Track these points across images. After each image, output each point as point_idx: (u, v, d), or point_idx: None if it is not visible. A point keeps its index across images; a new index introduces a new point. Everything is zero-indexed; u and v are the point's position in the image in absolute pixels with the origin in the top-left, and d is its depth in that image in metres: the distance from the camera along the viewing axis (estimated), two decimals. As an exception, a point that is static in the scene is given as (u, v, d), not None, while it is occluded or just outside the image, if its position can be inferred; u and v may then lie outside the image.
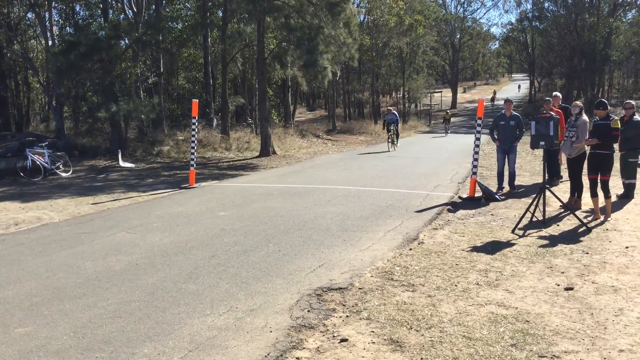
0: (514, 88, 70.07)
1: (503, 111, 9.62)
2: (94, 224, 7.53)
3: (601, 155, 7.00)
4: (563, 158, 8.99)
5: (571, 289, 4.52)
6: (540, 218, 6.88)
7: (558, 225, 6.93)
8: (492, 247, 5.89)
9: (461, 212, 7.95)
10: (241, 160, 17.46)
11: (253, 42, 21.16)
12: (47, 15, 19.17)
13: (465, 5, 58.22)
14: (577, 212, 7.14)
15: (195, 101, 11.51)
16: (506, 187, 9.67)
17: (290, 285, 4.75)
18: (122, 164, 15.26)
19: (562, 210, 7.70)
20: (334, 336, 3.71)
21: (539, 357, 3.35)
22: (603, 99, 7.59)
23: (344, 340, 3.63)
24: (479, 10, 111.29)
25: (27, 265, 5.53)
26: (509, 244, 6.02)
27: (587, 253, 5.58)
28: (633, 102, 9.07)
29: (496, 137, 9.67)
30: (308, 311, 4.15)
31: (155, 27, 17.49)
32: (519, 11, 51.85)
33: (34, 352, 3.52)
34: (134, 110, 15.69)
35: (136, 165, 15.48)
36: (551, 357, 3.34)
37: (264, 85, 19.34)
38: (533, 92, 52.11)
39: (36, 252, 6.04)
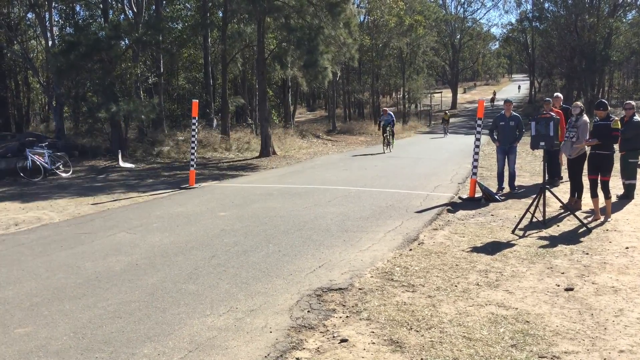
0: (514, 88, 70.08)
1: (503, 112, 9.62)
2: (94, 225, 7.53)
3: (601, 155, 7.00)
4: (563, 159, 9.00)
5: (571, 289, 4.51)
6: (541, 218, 6.88)
7: (558, 225, 6.93)
8: (492, 248, 5.88)
9: (461, 213, 7.95)
10: (241, 160, 17.46)
11: (253, 42, 21.16)
12: (47, 15, 19.18)
13: (466, 6, 58.33)
14: (577, 213, 7.14)
15: (196, 101, 11.51)
16: (506, 188, 9.67)
17: (290, 285, 4.74)
18: (122, 164, 15.26)
19: (562, 210, 7.70)
20: (334, 336, 3.70)
21: (539, 357, 3.34)
22: (603, 100, 7.59)
23: (344, 340, 3.63)
24: (479, 11, 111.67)
25: (27, 265, 5.53)
26: (509, 245, 6.02)
27: (587, 254, 5.58)
28: (633, 103, 9.07)
29: (496, 137, 9.67)
30: (308, 311, 4.15)
31: (156, 28, 17.50)
32: (519, 11, 52.01)
33: (34, 353, 3.52)
34: (134, 111, 15.70)
35: (136, 166, 15.48)
36: (551, 358, 3.34)
37: (264, 86, 19.34)
38: (533, 92, 52.13)
39: (36, 253, 6.04)
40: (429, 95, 47.75)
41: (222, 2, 22.05)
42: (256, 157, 18.01)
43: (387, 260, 5.47)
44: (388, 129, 19.73)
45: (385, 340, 3.62)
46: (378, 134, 28.42)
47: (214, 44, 26.74)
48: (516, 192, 9.49)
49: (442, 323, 3.87)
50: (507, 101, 9.90)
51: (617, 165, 7.82)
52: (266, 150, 18.23)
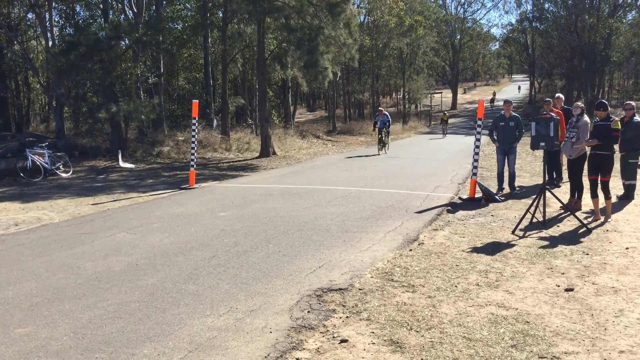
0: (514, 89, 70.10)
1: (502, 112, 9.63)
2: (94, 225, 7.53)
3: (601, 156, 7.00)
4: (564, 159, 9.00)
5: (571, 289, 4.51)
6: (541, 219, 6.88)
7: (558, 226, 6.93)
8: (492, 248, 5.88)
9: (461, 213, 7.95)
10: (241, 160, 17.46)
11: (253, 42, 21.17)
12: (47, 15, 19.18)
13: (466, 6, 58.35)
14: (577, 213, 7.14)
15: (196, 102, 11.51)
16: (506, 188, 9.67)
17: (290, 286, 4.74)
18: (122, 164, 15.26)
19: (562, 211, 7.70)
20: (334, 337, 3.70)
21: (539, 358, 3.34)
22: (603, 100, 7.59)
23: (344, 341, 3.63)
24: (479, 11, 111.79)
25: (27, 265, 5.53)
26: (509, 245, 6.02)
27: (588, 254, 5.58)
28: (633, 103, 9.07)
29: (496, 138, 9.67)
30: (308, 312, 4.15)
31: (156, 28, 17.50)
32: (519, 12, 52.05)
33: (34, 353, 3.51)
34: (134, 111, 15.70)
35: (136, 166, 15.48)
36: (551, 358, 3.34)
37: (264, 86, 19.34)
38: (533, 93, 52.16)
39: (36, 253, 6.04)
40: (429, 95, 47.75)
41: (222, 3, 22.06)
42: (256, 158, 18.01)
43: (387, 261, 5.47)
44: (384, 130, 19.06)
45: (385, 340, 3.62)
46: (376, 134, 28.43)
47: (214, 44, 26.74)
48: (516, 193, 9.49)
49: (442, 323, 3.87)
50: (506, 101, 9.91)
51: (617, 166, 7.82)
52: (266, 151, 18.23)
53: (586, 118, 7.63)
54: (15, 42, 22.46)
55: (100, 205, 9.15)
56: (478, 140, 9.08)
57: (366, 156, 17.93)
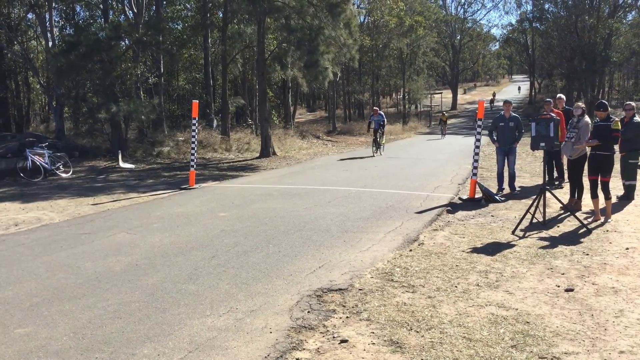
0: (514, 89, 70.12)
1: (502, 112, 9.63)
2: (94, 225, 7.53)
3: (601, 156, 7.00)
4: (565, 160, 9.00)
5: (571, 290, 4.51)
6: (541, 219, 6.88)
7: (558, 226, 6.93)
8: (492, 249, 5.88)
9: (461, 213, 7.95)
10: (241, 161, 17.46)
11: (253, 43, 21.18)
12: (47, 15, 19.18)
13: (466, 7, 58.35)
14: (577, 214, 7.14)
15: (196, 102, 11.50)
16: (506, 189, 9.67)
17: (290, 286, 4.74)
18: (122, 164, 15.26)
19: (563, 211, 7.70)
20: (334, 337, 3.70)
21: (539, 358, 3.34)
22: (603, 100, 7.59)
23: (344, 341, 3.63)
24: (479, 12, 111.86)
25: (27, 265, 5.53)
26: (509, 245, 6.02)
27: (588, 254, 5.58)
28: (633, 104, 9.07)
29: (495, 138, 9.67)
30: (308, 312, 4.15)
31: (156, 28, 17.50)
32: (519, 12, 52.01)
33: (34, 353, 3.51)
34: (134, 111, 15.70)
35: (136, 166, 15.48)
36: (551, 359, 3.34)
37: (264, 86, 19.34)
38: (533, 93, 52.16)
39: (36, 253, 6.04)
40: (429, 95, 47.74)
41: (222, 3, 22.07)
42: (256, 158, 18.01)
43: (387, 261, 5.47)
44: (379, 130, 18.36)
45: (385, 340, 3.62)
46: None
47: (214, 44, 26.76)
48: (516, 193, 9.49)
49: (442, 324, 3.87)
50: (506, 102, 9.91)
51: (617, 166, 7.82)
52: (266, 151, 18.23)
53: (587, 119, 7.63)
54: (16, 42, 22.47)
55: (100, 206, 9.15)
56: (478, 140, 9.08)
57: (360, 158, 17.43)
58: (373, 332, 3.75)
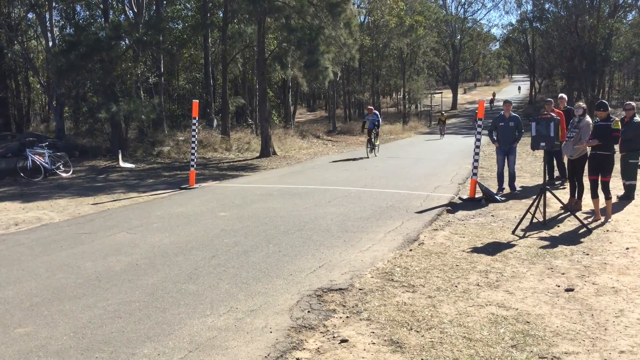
0: (514, 89, 70.12)
1: (502, 112, 9.63)
2: (94, 224, 7.53)
3: (602, 156, 7.00)
4: (565, 159, 9.00)
5: (571, 290, 4.51)
6: (541, 219, 6.88)
7: (558, 226, 6.93)
8: (493, 248, 5.88)
9: (461, 213, 7.95)
10: (241, 160, 17.46)
11: (253, 42, 21.18)
12: (47, 15, 19.18)
13: (466, 6, 58.35)
14: (577, 213, 7.14)
15: (196, 102, 11.50)
16: (506, 188, 9.67)
17: (290, 285, 4.74)
18: (122, 164, 15.26)
19: (563, 211, 7.70)
20: (334, 337, 3.70)
21: (540, 358, 3.34)
22: (604, 100, 7.58)
23: (344, 341, 3.62)
24: (479, 11, 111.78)
25: (27, 265, 5.53)
26: (509, 245, 6.02)
27: (588, 254, 5.58)
28: (633, 104, 9.07)
29: (495, 138, 9.67)
30: (308, 312, 4.15)
31: (156, 28, 17.50)
32: (519, 12, 52.05)
33: (34, 352, 3.51)
34: (134, 111, 15.70)
35: (136, 166, 15.48)
36: (552, 358, 3.33)
37: (265, 86, 19.34)
38: (533, 93, 52.15)
39: (36, 252, 6.04)
40: (429, 95, 47.75)
41: (222, 3, 22.07)
42: (256, 158, 18.01)
43: (388, 261, 5.47)
44: (374, 130, 17.76)
45: (385, 340, 3.62)
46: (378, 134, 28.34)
47: (215, 44, 26.76)
48: (517, 193, 9.49)
49: (442, 323, 3.87)
50: (506, 102, 9.92)
51: (617, 166, 7.83)
52: (266, 151, 18.23)
53: (588, 119, 7.62)
54: (16, 42, 22.47)
55: (100, 205, 9.15)
56: (478, 140, 9.07)
57: (353, 159, 16.78)
58: (373, 332, 3.75)
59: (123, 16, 22.93)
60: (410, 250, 5.90)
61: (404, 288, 4.65)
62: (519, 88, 67.98)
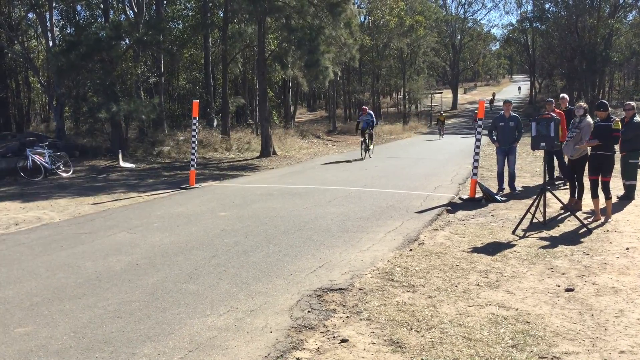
0: (514, 89, 70.13)
1: (502, 112, 9.63)
2: (94, 224, 7.53)
3: (602, 156, 7.00)
4: (565, 159, 8.99)
5: (572, 290, 4.51)
6: (541, 219, 6.88)
7: (559, 226, 6.93)
8: (493, 248, 5.88)
9: (461, 213, 7.95)
10: (242, 160, 17.46)
11: (254, 42, 21.18)
12: (47, 15, 19.18)
13: (466, 6, 58.35)
14: (577, 213, 7.14)
15: (196, 101, 11.50)
16: (506, 188, 9.67)
17: (290, 285, 4.74)
18: (122, 164, 15.26)
19: (563, 211, 7.70)
20: (334, 337, 3.70)
21: (540, 358, 3.34)
22: (604, 100, 7.58)
23: (344, 340, 3.63)
24: (479, 12, 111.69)
25: (27, 265, 5.53)
26: (509, 245, 6.02)
27: (588, 254, 5.58)
28: (633, 104, 9.07)
29: (495, 138, 9.67)
30: (308, 312, 4.15)
31: (156, 28, 17.50)
32: (519, 12, 52.02)
33: (34, 352, 3.52)
34: (134, 111, 15.70)
35: (137, 166, 15.48)
36: (552, 358, 3.33)
37: (265, 86, 19.34)
38: (533, 93, 52.15)
39: (36, 252, 6.04)
40: (430, 95, 47.75)
41: (222, 2, 22.07)
42: (256, 157, 18.01)
43: (388, 261, 5.47)
44: (367, 131, 16.96)
45: (385, 340, 3.62)
46: (378, 134, 28.36)
47: (215, 44, 26.76)
48: (517, 193, 9.49)
49: (442, 323, 3.87)
50: (506, 102, 9.92)
51: (617, 166, 7.82)
52: (266, 151, 18.23)
53: (589, 119, 7.62)
54: (16, 42, 22.47)
55: (100, 205, 9.15)
56: (478, 140, 9.07)
57: (346, 161, 16.21)
58: (373, 332, 3.75)
59: (123, 16, 22.95)
60: (411, 250, 5.90)
61: (404, 288, 4.65)
62: (519, 88, 67.98)
